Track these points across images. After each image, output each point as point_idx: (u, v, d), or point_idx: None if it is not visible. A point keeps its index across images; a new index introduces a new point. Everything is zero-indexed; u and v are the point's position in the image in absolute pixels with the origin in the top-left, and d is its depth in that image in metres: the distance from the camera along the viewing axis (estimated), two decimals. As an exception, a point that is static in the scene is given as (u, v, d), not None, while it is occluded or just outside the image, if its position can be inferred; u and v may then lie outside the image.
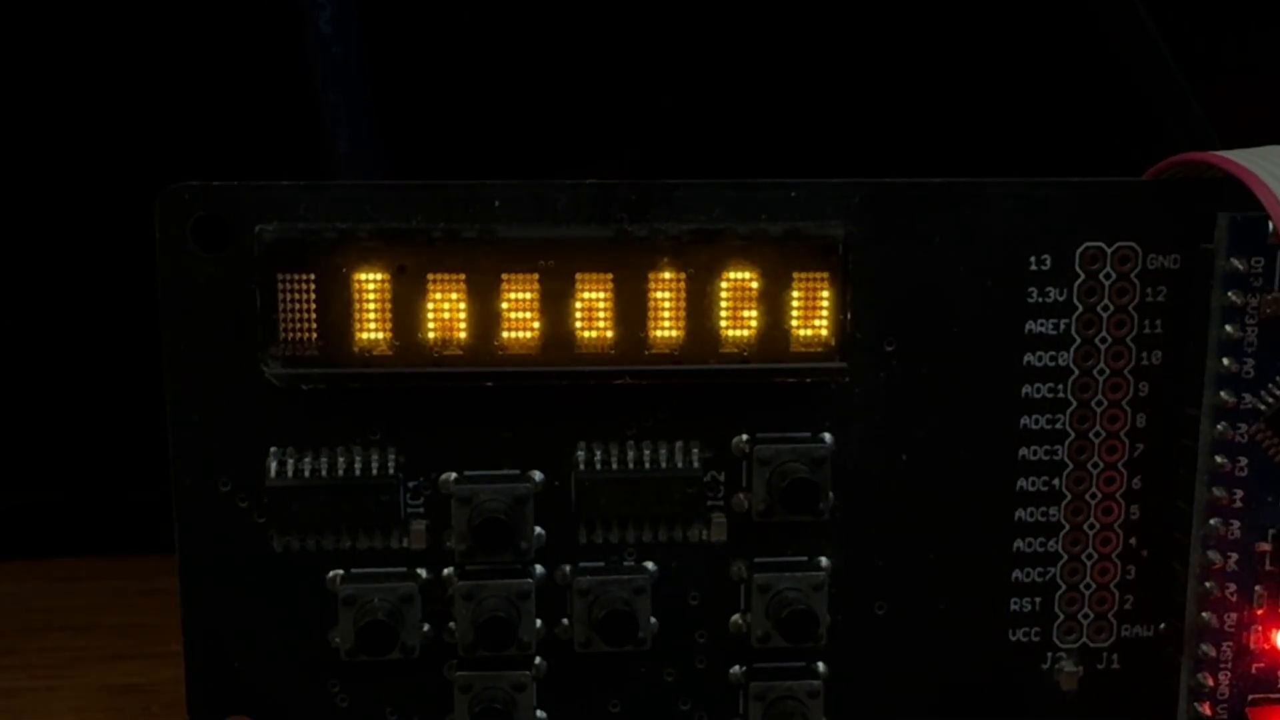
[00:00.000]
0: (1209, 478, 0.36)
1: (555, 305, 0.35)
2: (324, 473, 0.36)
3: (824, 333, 0.36)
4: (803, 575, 0.37)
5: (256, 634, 0.37)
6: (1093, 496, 0.38)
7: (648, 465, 0.37)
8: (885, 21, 0.59)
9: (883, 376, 0.37)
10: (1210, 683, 0.37)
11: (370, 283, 0.35)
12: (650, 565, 0.37)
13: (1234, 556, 0.37)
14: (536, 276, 0.35)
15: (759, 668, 0.38)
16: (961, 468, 0.38)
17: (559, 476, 0.37)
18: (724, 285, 0.36)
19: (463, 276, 0.35)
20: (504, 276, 0.35)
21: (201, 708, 0.37)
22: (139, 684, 0.44)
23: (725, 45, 0.59)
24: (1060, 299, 0.37)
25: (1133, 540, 0.38)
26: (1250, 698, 0.37)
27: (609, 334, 0.36)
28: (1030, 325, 0.37)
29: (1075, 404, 0.37)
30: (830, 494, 0.37)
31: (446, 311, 0.35)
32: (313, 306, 0.35)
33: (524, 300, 0.35)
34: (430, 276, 0.35)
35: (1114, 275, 0.37)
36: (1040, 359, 0.37)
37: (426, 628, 0.37)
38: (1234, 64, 0.50)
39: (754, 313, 0.36)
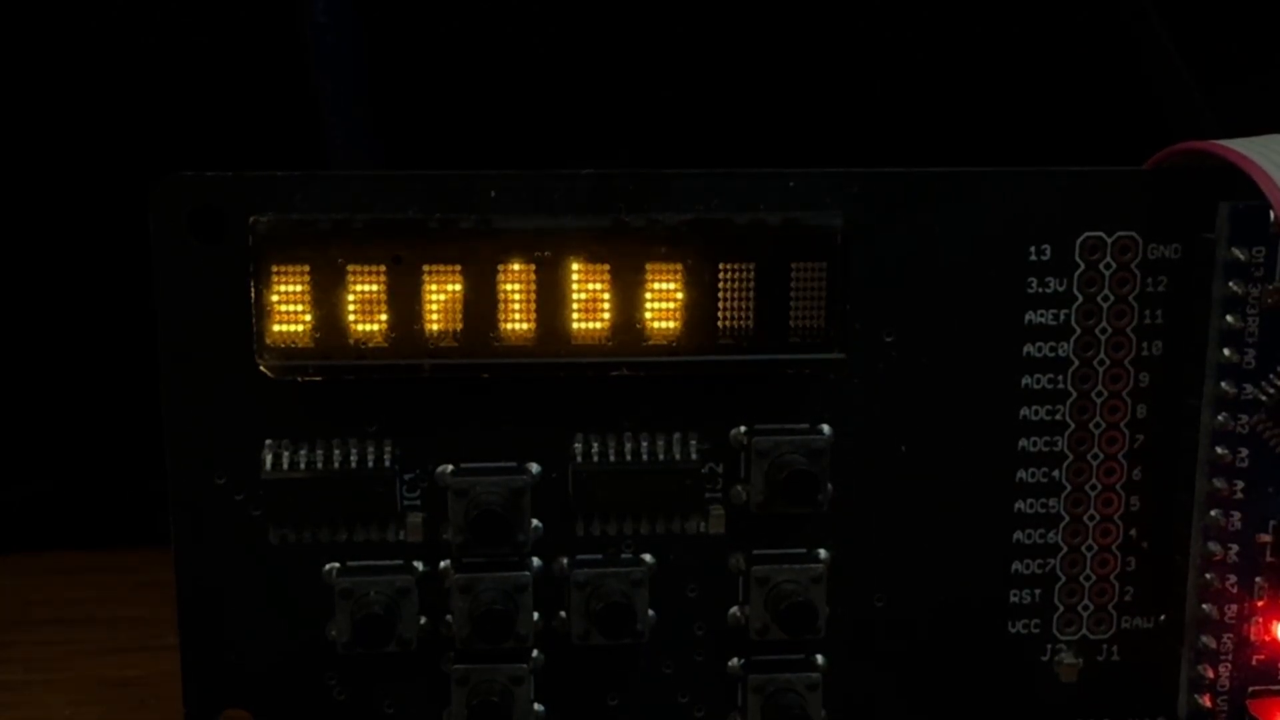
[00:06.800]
0: (1209, 469, 0.36)
1: (552, 296, 0.35)
2: (320, 465, 0.36)
3: (822, 323, 0.36)
4: (801, 567, 0.37)
5: (253, 627, 0.37)
6: (1093, 488, 0.38)
7: (645, 457, 0.37)
8: (885, 9, 0.59)
9: (881, 367, 0.37)
10: (1210, 675, 0.37)
11: (365, 274, 0.35)
12: (648, 558, 0.37)
13: (1234, 548, 0.37)
14: (533, 267, 0.35)
15: (757, 660, 0.38)
16: (961, 459, 0.37)
17: (556, 469, 0.37)
18: (722, 276, 0.35)
19: (459, 267, 0.35)
20: (500, 267, 0.35)
21: (198, 701, 0.37)
22: (135, 677, 0.43)
23: (723, 35, 0.59)
24: (1060, 289, 0.37)
25: (1133, 532, 0.38)
26: (1250, 690, 0.37)
27: (606, 325, 0.36)
28: (1030, 315, 0.37)
29: (1075, 395, 0.37)
30: (829, 485, 0.37)
31: (442, 303, 0.35)
32: (308, 298, 0.35)
33: (520, 291, 0.35)
34: (426, 267, 0.35)
35: (1114, 265, 0.37)
36: (1040, 349, 0.37)
37: (423, 621, 0.37)
38: (1236, 52, 0.49)
39: (752, 303, 0.36)
